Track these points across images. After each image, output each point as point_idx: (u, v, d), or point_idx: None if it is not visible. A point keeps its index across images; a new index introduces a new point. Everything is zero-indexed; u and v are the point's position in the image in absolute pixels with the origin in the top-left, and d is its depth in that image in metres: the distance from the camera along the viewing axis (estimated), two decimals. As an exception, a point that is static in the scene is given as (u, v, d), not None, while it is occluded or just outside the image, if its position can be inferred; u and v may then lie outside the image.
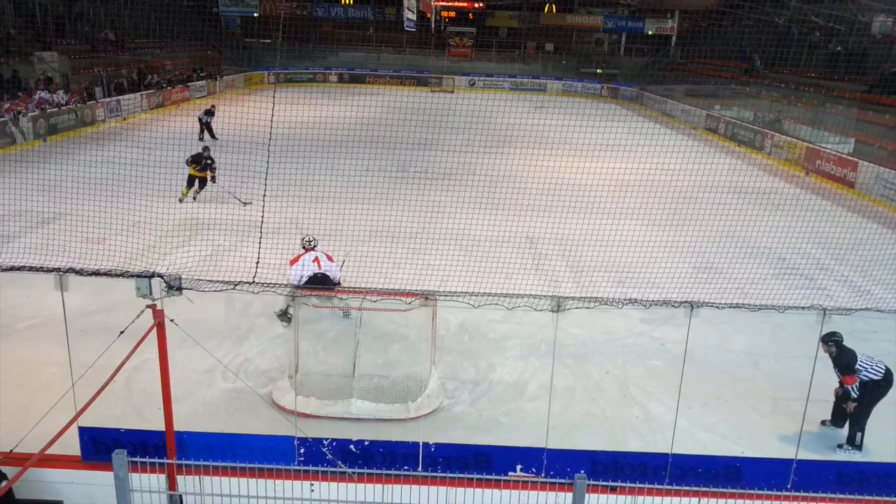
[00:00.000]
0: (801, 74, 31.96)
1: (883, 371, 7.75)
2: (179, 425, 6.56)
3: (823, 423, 8.26)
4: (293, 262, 10.04)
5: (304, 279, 9.70)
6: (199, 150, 16.20)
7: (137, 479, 5.35)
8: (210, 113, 24.82)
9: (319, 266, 9.88)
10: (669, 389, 8.55)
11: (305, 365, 8.75)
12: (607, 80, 47.96)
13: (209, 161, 16.07)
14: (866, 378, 7.71)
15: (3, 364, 8.62)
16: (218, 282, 6.92)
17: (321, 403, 8.15)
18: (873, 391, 7.74)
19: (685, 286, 10.34)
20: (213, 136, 24.53)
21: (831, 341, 7.82)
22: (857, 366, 7.76)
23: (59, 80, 27.54)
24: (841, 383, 7.84)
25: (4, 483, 6.02)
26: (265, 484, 5.76)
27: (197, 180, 16.18)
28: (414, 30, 38.54)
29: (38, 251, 10.04)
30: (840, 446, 7.94)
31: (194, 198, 15.91)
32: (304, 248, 10.27)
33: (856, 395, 7.72)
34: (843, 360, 7.81)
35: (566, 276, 12.68)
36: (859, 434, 7.88)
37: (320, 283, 9.69)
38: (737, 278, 11.74)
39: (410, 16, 35.30)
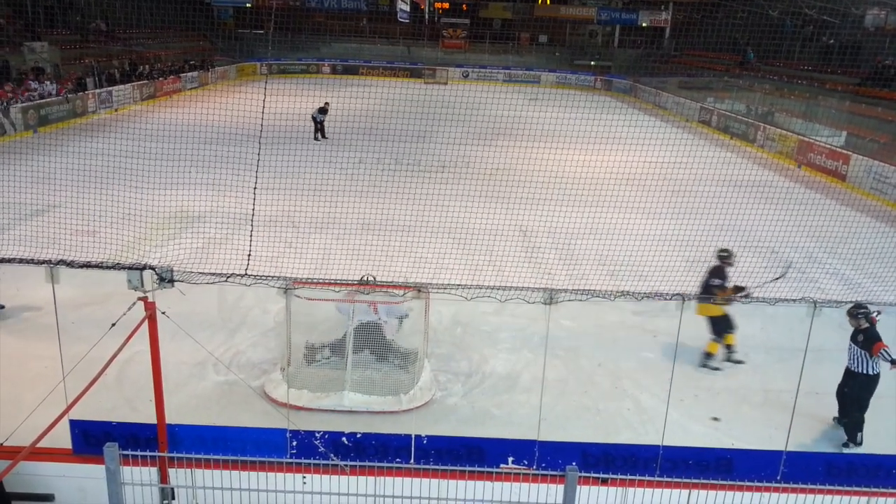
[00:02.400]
0: (793, 67, 32.02)
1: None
2: (171, 418, 6.55)
3: (836, 419, 8.20)
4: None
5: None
6: (718, 263, 9.51)
7: (129, 472, 5.34)
8: (324, 111, 23.56)
9: (376, 311, 8.60)
10: (661, 381, 8.59)
11: (298, 357, 8.74)
12: (601, 72, 47.91)
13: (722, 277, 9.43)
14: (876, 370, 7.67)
15: (-7, 356, 8.58)
16: (210, 274, 6.89)
17: (313, 396, 8.15)
18: (874, 382, 7.73)
19: (677, 278, 10.36)
20: (323, 135, 23.61)
21: (860, 314, 7.65)
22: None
23: (51, 71, 27.35)
24: (870, 354, 7.62)
25: (-5, 476, 6.01)
26: (257, 477, 5.76)
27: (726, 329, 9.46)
28: (407, 21, 38.43)
29: (28, 243, 10.00)
30: (845, 445, 7.93)
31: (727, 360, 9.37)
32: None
33: (891, 358, 7.49)
34: (873, 330, 7.69)
35: (559, 268, 12.70)
36: (859, 434, 7.88)
37: (371, 330, 8.59)
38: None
39: (404, 7, 35.17)
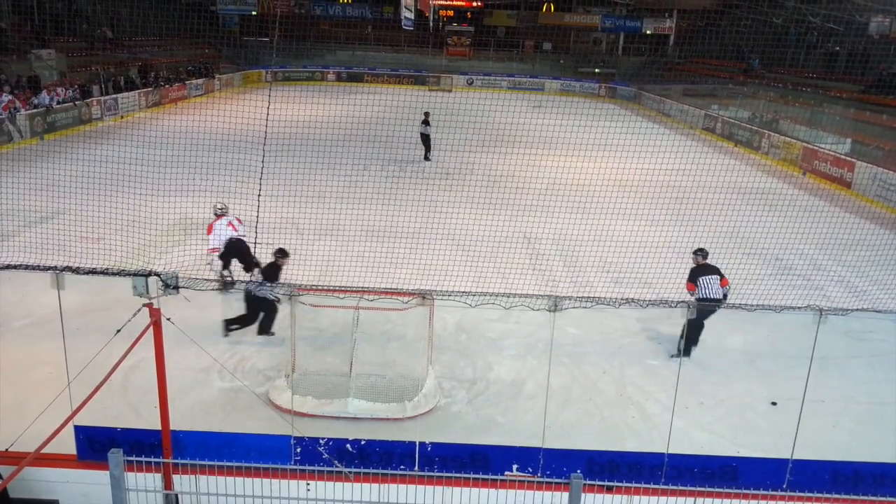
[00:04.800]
0: (798, 74, 32.00)
1: (712, 298, 9.33)
2: (175, 424, 6.55)
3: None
4: (209, 229, 10.69)
5: (223, 243, 10.50)
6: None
7: (133, 479, 5.35)
8: (427, 122, 21.56)
9: (234, 230, 10.59)
10: (666, 389, 8.57)
11: (302, 364, 8.74)
12: (605, 79, 47.96)
13: None
14: (702, 294, 9.44)
15: (-2, 362, 8.60)
16: (215, 280, 6.91)
17: (318, 403, 8.14)
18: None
19: (682, 286, 10.35)
20: (426, 155, 21.75)
21: (700, 253, 9.89)
22: (700, 279, 9.54)
23: (57, 78, 27.51)
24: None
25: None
26: (261, 483, 5.75)
27: None
28: (412, 28, 38.53)
29: (34, 249, 10.03)
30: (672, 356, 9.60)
31: None
32: (216, 214, 10.77)
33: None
34: (695, 273, 9.72)
35: (563, 275, 12.68)
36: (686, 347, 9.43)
37: (236, 246, 10.47)
38: (733, 278, 11.73)
39: (408, 14, 35.26)
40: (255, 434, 7.06)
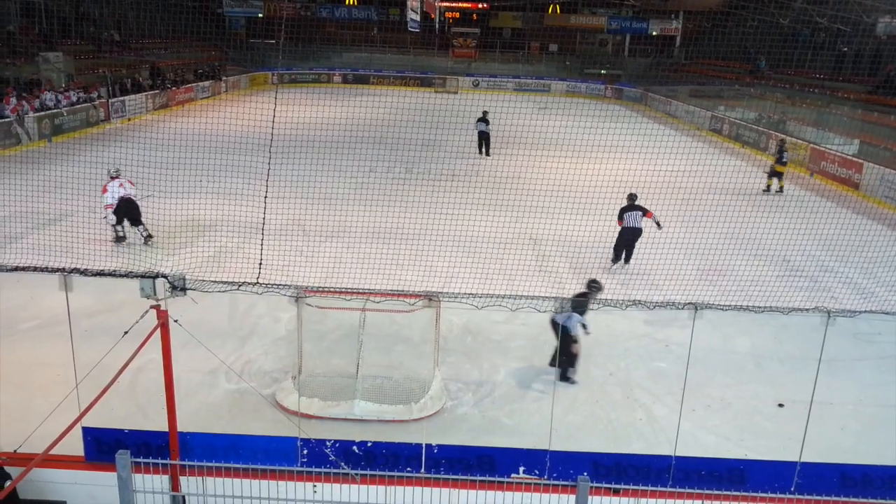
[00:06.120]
0: (805, 75, 31.89)
1: (632, 226, 12.57)
2: (183, 426, 6.57)
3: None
4: (104, 190, 12.60)
5: (116, 201, 12.60)
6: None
7: (140, 480, 5.36)
8: (486, 120, 22.07)
9: (125, 189, 12.68)
10: (673, 391, 8.55)
11: (309, 366, 8.76)
12: (611, 80, 47.88)
13: None
14: (626, 224, 12.59)
15: (6, 364, 8.64)
16: (222, 282, 6.93)
17: (324, 404, 8.15)
18: (622, 235, 12.72)
19: (689, 287, 10.33)
20: (488, 151, 22.42)
21: (630, 197, 12.86)
22: (625, 215, 12.60)
23: (65, 81, 27.65)
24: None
25: (9, 483, 6.04)
26: (268, 485, 5.76)
27: None
28: (418, 30, 38.56)
29: (42, 251, 10.08)
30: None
31: None
32: (111, 177, 12.73)
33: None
34: (623, 211, 12.57)
35: (569, 277, 12.65)
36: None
37: (128, 203, 12.71)
38: (741, 280, 11.71)
39: (414, 16, 35.28)
40: (262, 436, 7.07)
